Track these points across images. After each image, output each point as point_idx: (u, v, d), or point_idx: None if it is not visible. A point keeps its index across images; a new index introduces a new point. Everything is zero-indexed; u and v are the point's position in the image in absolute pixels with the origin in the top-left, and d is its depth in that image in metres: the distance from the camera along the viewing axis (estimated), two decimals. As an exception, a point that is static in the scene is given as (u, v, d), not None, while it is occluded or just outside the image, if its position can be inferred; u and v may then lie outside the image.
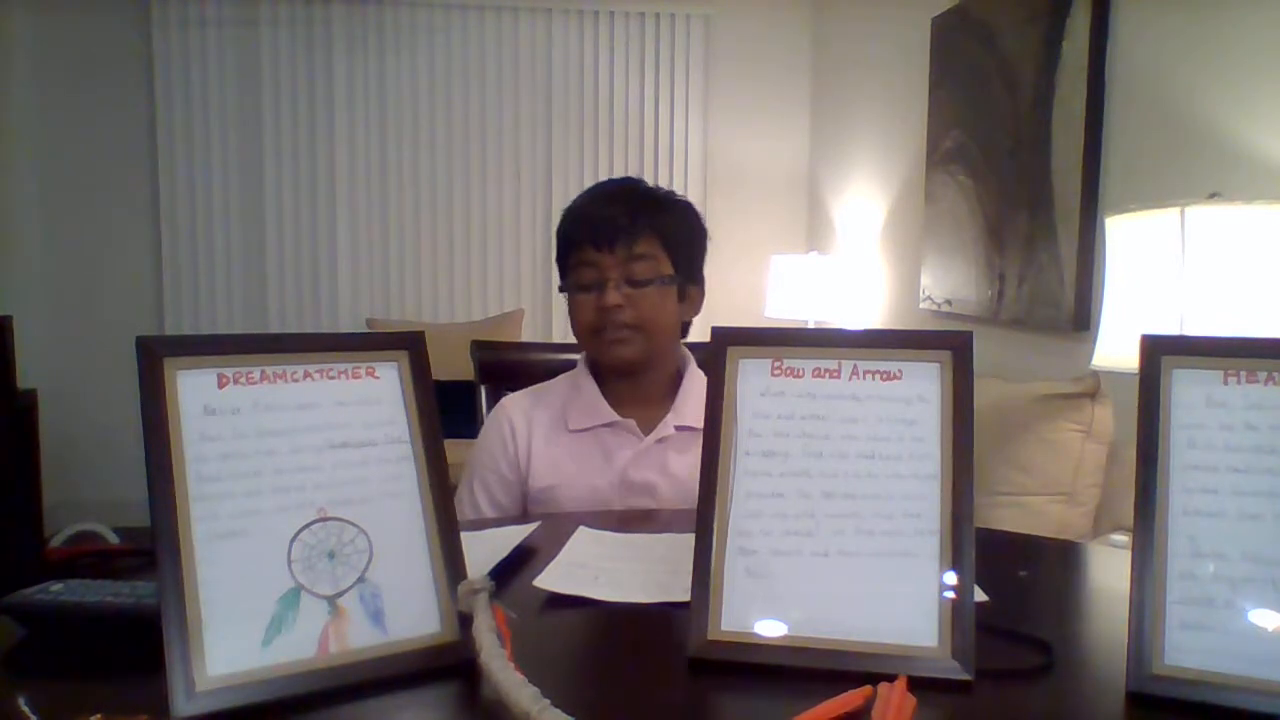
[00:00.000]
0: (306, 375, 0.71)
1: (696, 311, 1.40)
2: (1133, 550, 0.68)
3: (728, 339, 0.78)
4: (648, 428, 1.33)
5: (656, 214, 1.32)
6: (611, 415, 1.33)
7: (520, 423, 1.37)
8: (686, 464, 1.29)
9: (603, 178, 1.45)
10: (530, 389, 1.43)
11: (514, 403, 1.40)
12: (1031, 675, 0.71)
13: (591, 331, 1.31)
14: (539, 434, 1.36)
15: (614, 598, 0.85)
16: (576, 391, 1.37)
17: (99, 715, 0.57)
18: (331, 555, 0.68)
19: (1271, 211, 1.51)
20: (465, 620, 0.67)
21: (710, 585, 0.73)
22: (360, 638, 0.68)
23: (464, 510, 1.36)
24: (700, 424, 0.77)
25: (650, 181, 1.41)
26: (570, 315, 1.35)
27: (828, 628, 0.71)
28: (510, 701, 0.58)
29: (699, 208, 1.43)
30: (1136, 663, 0.66)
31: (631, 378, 1.35)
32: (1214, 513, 0.67)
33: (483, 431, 1.41)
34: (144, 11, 4.04)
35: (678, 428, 1.32)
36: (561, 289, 1.36)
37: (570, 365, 1.44)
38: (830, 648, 0.70)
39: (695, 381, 1.36)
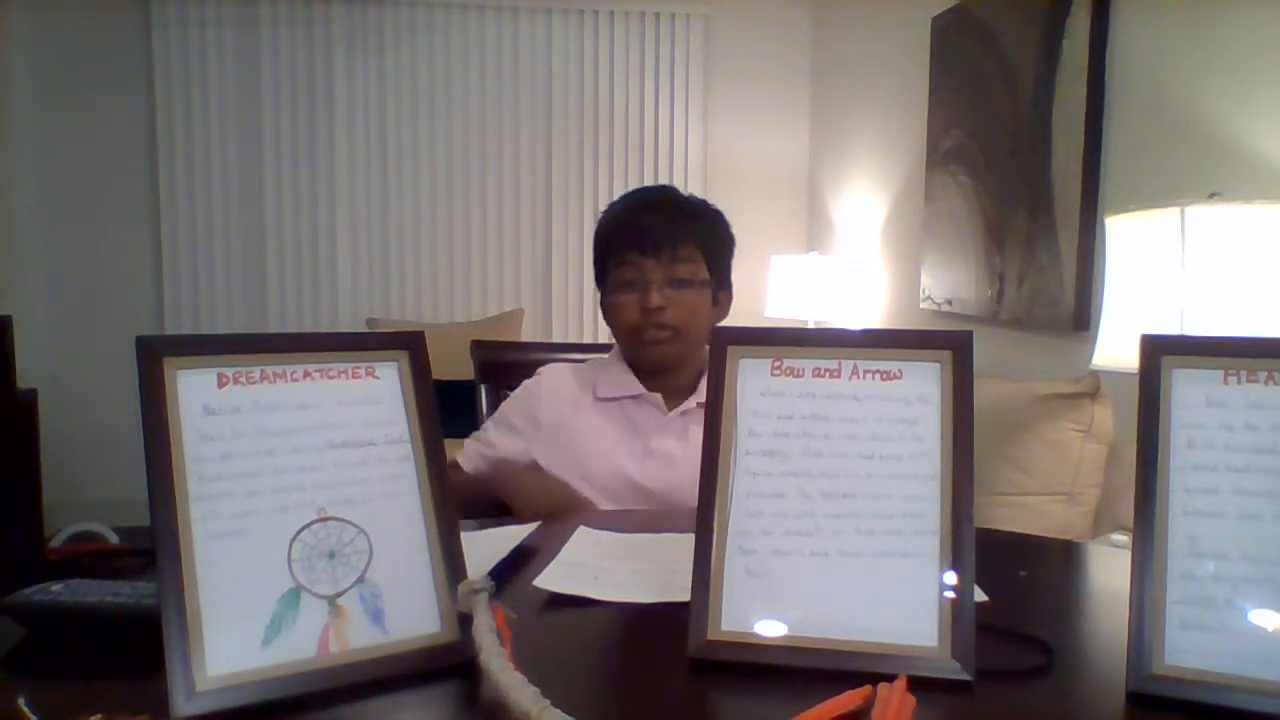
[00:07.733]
0: (306, 375, 0.71)
1: (725, 315, 1.47)
2: (1133, 550, 0.68)
3: (728, 339, 0.78)
4: (672, 406, 1.40)
5: (695, 221, 1.40)
6: (638, 388, 1.40)
7: (549, 386, 1.44)
8: None
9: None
10: (571, 364, 1.51)
11: (552, 369, 1.48)
12: (1031, 675, 0.71)
13: (632, 331, 1.37)
14: (566, 400, 1.42)
15: (614, 597, 0.85)
16: (607, 367, 1.45)
17: (99, 715, 0.57)
18: (331, 555, 0.68)
19: (1271, 211, 1.51)
20: (465, 620, 0.67)
21: (710, 585, 0.73)
22: (360, 638, 0.68)
23: (463, 460, 1.42)
24: None
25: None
26: (608, 315, 1.41)
27: (827, 628, 0.71)
28: (510, 701, 0.58)
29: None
30: (1136, 663, 0.66)
31: (661, 375, 1.41)
32: (1214, 513, 0.67)
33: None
34: (144, 11, 4.04)
35: (700, 404, 1.36)
36: (600, 291, 1.42)
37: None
38: (830, 648, 0.70)
39: None
